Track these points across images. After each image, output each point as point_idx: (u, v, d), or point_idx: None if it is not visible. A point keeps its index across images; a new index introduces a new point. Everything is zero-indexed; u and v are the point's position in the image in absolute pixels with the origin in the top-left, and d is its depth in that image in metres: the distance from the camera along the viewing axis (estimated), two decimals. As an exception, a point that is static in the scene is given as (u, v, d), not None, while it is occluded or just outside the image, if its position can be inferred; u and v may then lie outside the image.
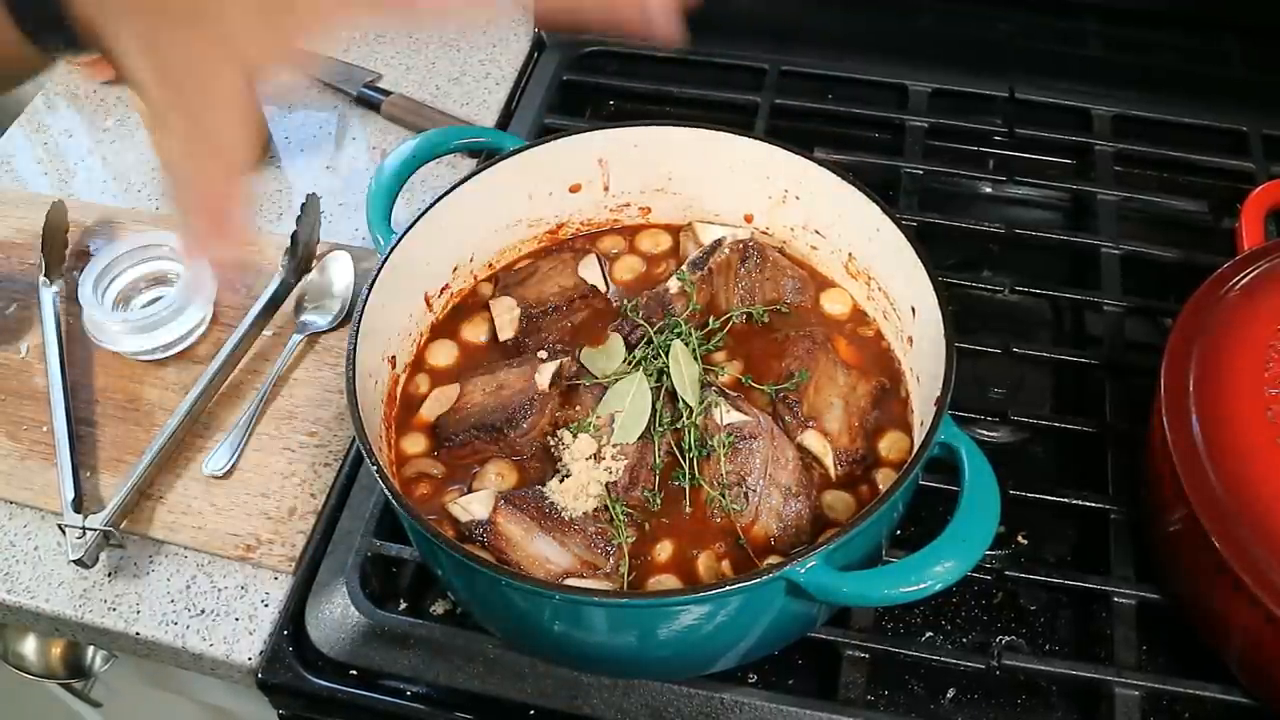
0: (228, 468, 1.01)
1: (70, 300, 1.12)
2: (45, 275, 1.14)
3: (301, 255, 1.13)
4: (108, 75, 1.37)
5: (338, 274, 1.15)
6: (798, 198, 1.01)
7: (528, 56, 1.40)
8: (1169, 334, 0.90)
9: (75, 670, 1.17)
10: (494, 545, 0.85)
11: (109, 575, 0.97)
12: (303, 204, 1.14)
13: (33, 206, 1.22)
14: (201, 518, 0.99)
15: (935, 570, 0.73)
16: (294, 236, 1.12)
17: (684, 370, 0.91)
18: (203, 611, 0.95)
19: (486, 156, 1.15)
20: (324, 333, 1.12)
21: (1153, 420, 0.88)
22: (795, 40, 1.35)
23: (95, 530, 0.95)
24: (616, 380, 0.92)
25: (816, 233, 1.02)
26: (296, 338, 1.10)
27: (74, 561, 0.94)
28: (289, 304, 1.13)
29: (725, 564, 0.86)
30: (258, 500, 1.01)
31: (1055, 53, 1.30)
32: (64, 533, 0.95)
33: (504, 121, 1.33)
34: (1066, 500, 0.96)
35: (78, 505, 0.97)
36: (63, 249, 1.18)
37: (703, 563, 0.85)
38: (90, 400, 1.07)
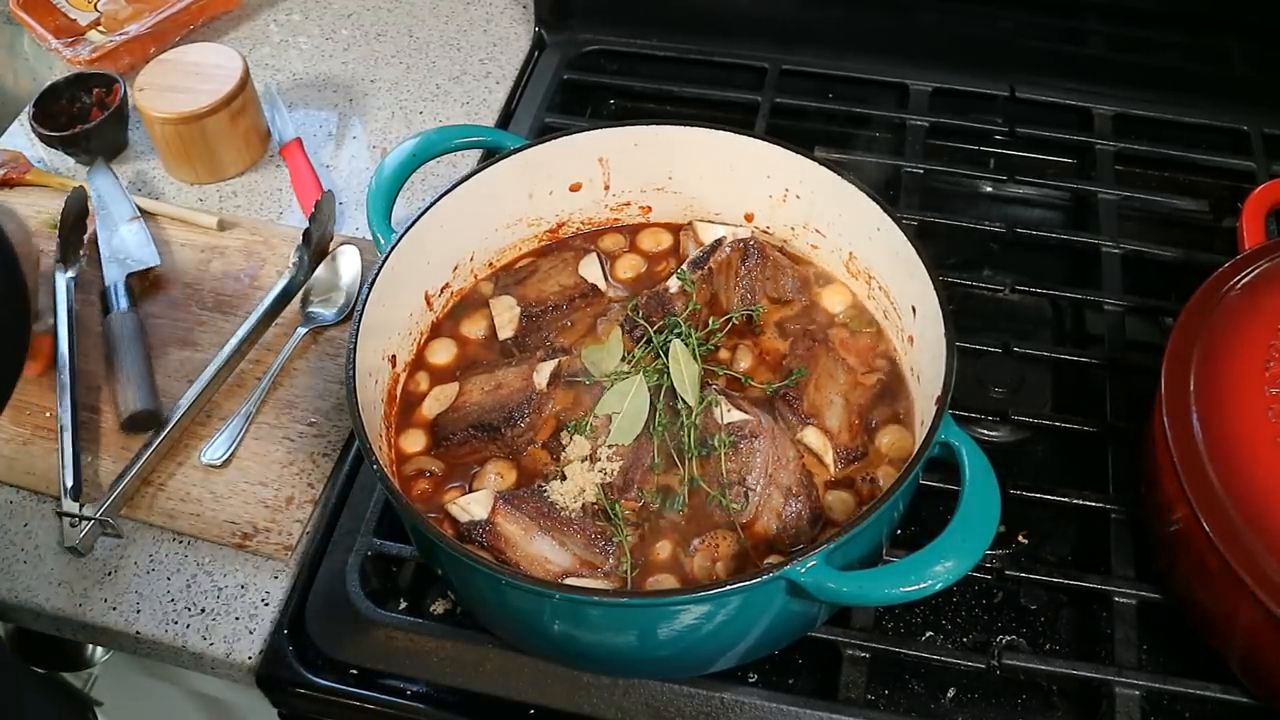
0: (226, 457, 1.02)
1: (83, 288, 1.12)
2: (60, 261, 1.14)
3: (314, 252, 1.13)
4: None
5: (345, 267, 1.15)
6: (798, 197, 1.01)
7: (528, 56, 1.40)
8: (1169, 333, 0.90)
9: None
10: (493, 545, 0.85)
11: (109, 574, 0.97)
12: (317, 202, 1.13)
13: (49, 193, 1.22)
14: (200, 505, 1.00)
15: (935, 570, 0.72)
16: (306, 234, 1.12)
17: (684, 370, 0.91)
18: (203, 610, 0.95)
19: (487, 155, 1.15)
20: (329, 326, 1.12)
21: (1153, 420, 0.88)
22: (795, 39, 1.34)
23: (91, 519, 0.95)
24: (616, 381, 0.92)
25: (817, 231, 1.02)
26: (302, 330, 1.10)
27: (68, 549, 0.94)
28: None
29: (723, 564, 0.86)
30: (256, 489, 1.01)
31: (1055, 52, 1.30)
32: (61, 519, 0.95)
33: (504, 121, 1.33)
34: (1067, 500, 0.96)
35: (77, 492, 0.97)
36: (80, 235, 1.17)
37: (700, 562, 0.85)
38: (95, 387, 1.07)
